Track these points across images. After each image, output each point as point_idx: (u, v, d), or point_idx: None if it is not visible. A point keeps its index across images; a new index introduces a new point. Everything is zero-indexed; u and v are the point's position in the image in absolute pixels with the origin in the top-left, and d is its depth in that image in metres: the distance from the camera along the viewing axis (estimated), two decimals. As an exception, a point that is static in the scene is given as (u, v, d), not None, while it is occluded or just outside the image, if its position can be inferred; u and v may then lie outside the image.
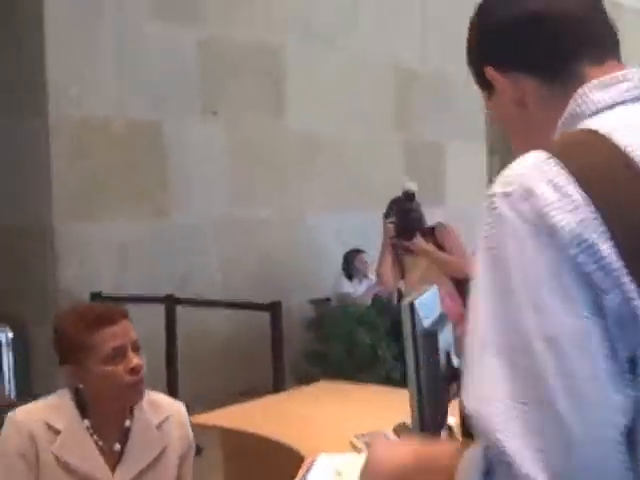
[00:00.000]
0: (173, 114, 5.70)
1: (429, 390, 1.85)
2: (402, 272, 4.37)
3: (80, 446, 1.97)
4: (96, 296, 4.84)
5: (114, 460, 2.00)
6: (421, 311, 1.88)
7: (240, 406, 3.13)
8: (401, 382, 4.71)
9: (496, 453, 0.86)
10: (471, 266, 3.38)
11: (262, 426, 2.77)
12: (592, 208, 0.86)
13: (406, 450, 1.19)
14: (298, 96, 6.51)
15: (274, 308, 4.29)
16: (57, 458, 1.93)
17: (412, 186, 4.18)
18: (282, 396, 3.36)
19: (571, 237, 0.85)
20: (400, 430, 2.62)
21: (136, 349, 1.99)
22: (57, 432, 1.95)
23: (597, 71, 1.04)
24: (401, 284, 4.40)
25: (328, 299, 6.18)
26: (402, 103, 7.45)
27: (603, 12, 1.09)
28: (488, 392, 0.88)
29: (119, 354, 1.94)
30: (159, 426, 2.07)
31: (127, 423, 2.03)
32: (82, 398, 2.01)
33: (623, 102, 0.99)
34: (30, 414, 1.97)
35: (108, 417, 2.02)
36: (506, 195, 0.91)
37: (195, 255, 5.79)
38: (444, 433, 2.04)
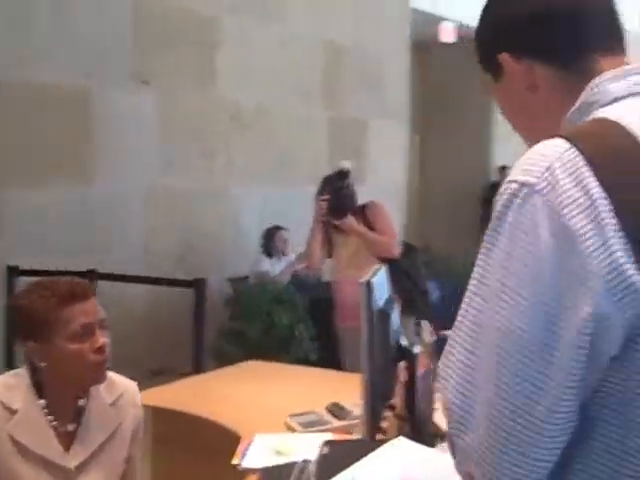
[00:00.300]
0: (102, 81, 5.49)
1: (381, 367, 1.83)
2: (331, 250, 4.34)
3: (34, 427, 1.88)
4: (13, 270, 4.62)
5: (68, 440, 1.93)
6: (376, 291, 1.84)
7: (169, 386, 3.04)
8: (318, 363, 4.73)
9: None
10: (396, 246, 3.38)
11: (194, 406, 2.71)
12: (609, 205, 0.87)
13: None
14: (229, 68, 6.39)
15: (198, 285, 4.19)
16: (11, 438, 1.86)
17: (346, 164, 4.16)
18: (210, 376, 3.29)
19: (582, 240, 0.87)
20: (333, 410, 2.61)
21: (103, 328, 1.91)
22: (13, 412, 1.87)
23: (609, 62, 1.06)
24: (329, 262, 4.38)
25: (246, 277, 6.09)
26: (330, 80, 7.42)
27: (613, 5, 1.11)
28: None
29: (87, 332, 1.86)
30: (113, 404, 2.01)
31: (81, 402, 1.96)
32: (39, 377, 1.92)
33: (636, 93, 1.01)
34: None
35: (64, 397, 1.94)
36: (526, 185, 0.91)
37: (118, 226, 5.61)
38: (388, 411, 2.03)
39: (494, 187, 10.54)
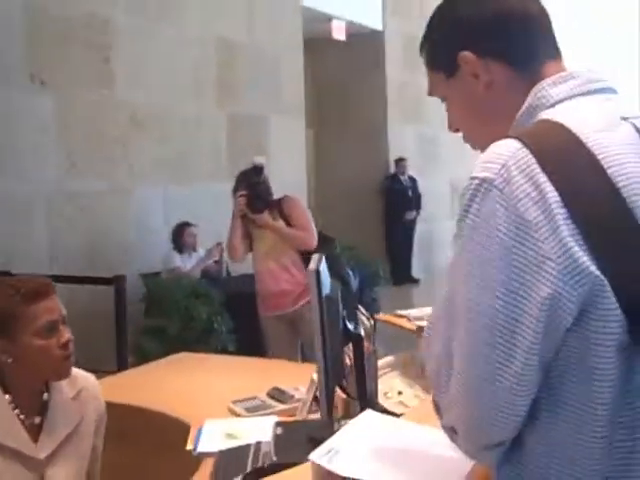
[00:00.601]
0: (-1, 82, 5.44)
1: (332, 350, 1.98)
2: (250, 244, 4.47)
3: (3, 420, 1.97)
4: None
5: (35, 433, 2.01)
6: (323, 278, 1.99)
7: (104, 380, 3.10)
8: (237, 354, 4.84)
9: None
10: (313, 238, 3.59)
11: (137, 399, 2.78)
12: (557, 197, 1.03)
13: None
14: (126, 69, 6.42)
15: (118, 282, 4.24)
16: None
17: (260, 160, 4.29)
18: (144, 369, 3.36)
19: (536, 228, 1.02)
20: (275, 394, 2.75)
21: (65, 323, 2.00)
22: None
23: (553, 67, 1.22)
24: (250, 255, 4.51)
25: (158, 273, 6.15)
26: (226, 77, 7.51)
27: (549, 17, 1.27)
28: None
29: (52, 328, 1.95)
30: (75, 398, 2.10)
31: (45, 396, 2.05)
32: (4, 373, 1.99)
33: (573, 96, 1.17)
34: None
35: (28, 391, 2.02)
36: (485, 180, 1.06)
37: (22, 227, 5.57)
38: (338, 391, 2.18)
39: (392, 178, 10.87)
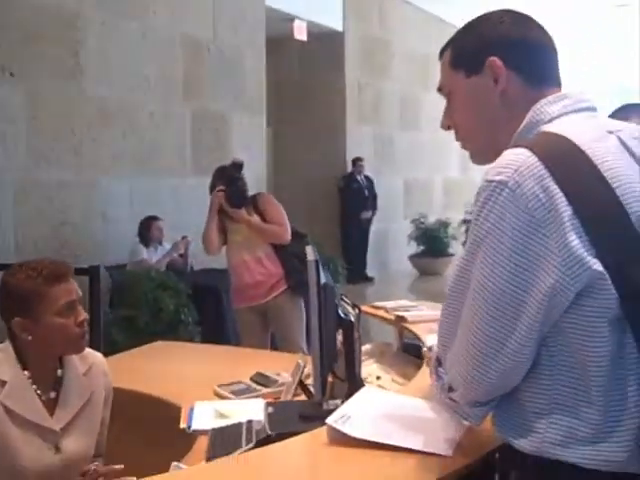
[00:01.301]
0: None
1: (328, 335, 2.13)
2: (225, 237, 4.60)
3: (23, 395, 2.09)
4: None
5: (51, 407, 2.15)
6: (321, 268, 2.14)
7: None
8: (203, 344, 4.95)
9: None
10: (288, 232, 3.84)
11: (124, 382, 2.87)
12: (563, 197, 1.22)
13: None
14: (93, 63, 6.49)
15: (93, 273, 4.30)
16: (4, 406, 2.05)
17: (241, 157, 4.41)
18: (126, 355, 3.45)
19: (543, 226, 1.22)
20: (258, 379, 2.88)
21: (81, 304, 2.15)
22: (3, 383, 2.07)
23: (555, 92, 1.43)
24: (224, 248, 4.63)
25: (123, 265, 6.22)
26: (190, 74, 7.61)
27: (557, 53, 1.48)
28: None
29: (71, 308, 2.09)
30: (86, 374, 2.25)
31: (59, 373, 2.18)
32: (22, 350, 2.12)
33: (566, 113, 1.38)
34: None
35: (45, 368, 2.16)
36: (500, 182, 1.26)
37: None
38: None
39: (349, 178, 11.03)
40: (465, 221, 13.40)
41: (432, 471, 1.56)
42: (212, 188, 4.57)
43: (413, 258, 12.18)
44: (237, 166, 4.46)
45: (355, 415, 1.59)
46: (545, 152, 1.26)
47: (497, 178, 1.26)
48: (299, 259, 4.28)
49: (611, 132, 1.35)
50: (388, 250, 12.13)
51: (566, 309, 1.23)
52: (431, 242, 11.92)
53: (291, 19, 9.90)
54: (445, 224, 12.15)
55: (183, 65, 7.53)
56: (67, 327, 2.08)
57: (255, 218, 4.49)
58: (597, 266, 1.20)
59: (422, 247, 12.07)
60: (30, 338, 2.09)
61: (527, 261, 1.22)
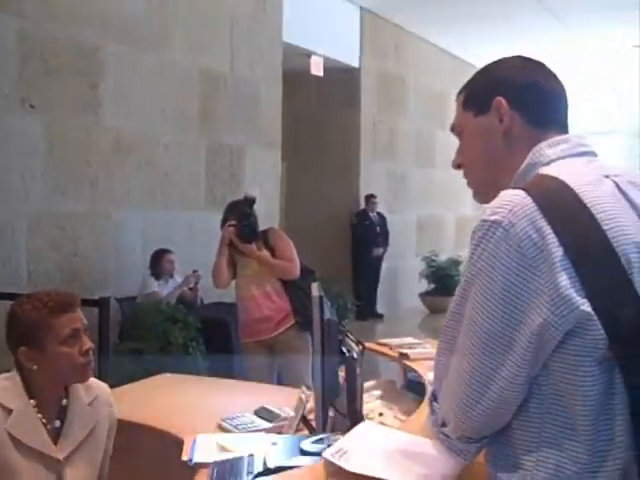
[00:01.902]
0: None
1: (330, 370, 2.15)
2: (235, 272, 4.63)
3: (29, 424, 2.13)
4: None
5: (55, 436, 2.18)
6: (325, 303, 2.16)
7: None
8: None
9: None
10: (297, 268, 3.87)
11: (127, 415, 2.88)
12: (555, 239, 1.25)
13: None
14: (112, 96, 6.59)
15: (103, 304, 4.36)
16: (10, 435, 2.09)
17: (254, 192, 4.45)
18: (133, 387, 3.47)
19: (534, 266, 1.25)
20: (262, 413, 2.90)
21: (86, 334, 2.18)
22: (9, 411, 2.11)
23: (558, 134, 1.46)
24: (233, 283, 4.66)
25: (133, 297, 6.26)
26: (206, 107, 7.70)
27: (567, 100, 1.52)
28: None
29: (75, 336, 2.13)
30: (90, 404, 2.28)
31: (64, 402, 2.22)
32: (28, 380, 2.16)
33: (565, 157, 1.42)
34: None
35: (50, 397, 2.19)
36: (494, 222, 1.29)
37: (3, 247, 5.67)
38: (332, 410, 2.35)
39: (361, 214, 11.07)
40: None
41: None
42: (224, 222, 4.62)
43: (423, 296, 12.16)
44: (249, 201, 4.51)
45: (352, 449, 1.60)
46: (539, 193, 1.29)
47: (492, 218, 1.29)
48: (307, 295, 4.30)
49: (607, 176, 1.37)
50: (399, 287, 12.13)
51: (555, 348, 1.24)
52: (442, 280, 11.91)
53: (308, 55, 10.02)
54: (457, 262, 12.15)
55: (199, 98, 7.63)
56: (72, 356, 2.12)
57: (265, 253, 4.53)
58: (585, 307, 1.22)
59: (433, 285, 12.06)
60: (35, 367, 2.13)
61: (517, 299, 1.25)
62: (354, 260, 11.09)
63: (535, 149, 1.43)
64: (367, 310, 10.60)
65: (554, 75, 1.51)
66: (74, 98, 6.26)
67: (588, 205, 1.28)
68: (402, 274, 12.16)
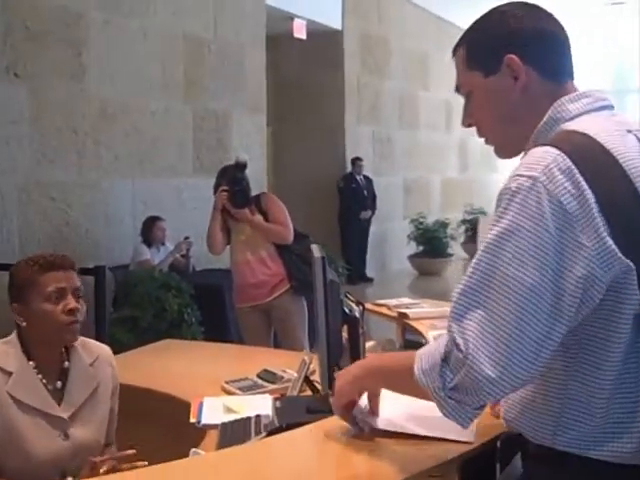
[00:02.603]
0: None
1: (334, 331, 2.18)
2: (228, 237, 4.64)
3: (29, 385, 2.17)
4: None
5: (58, 396, 2.23)
6: (327, 264, 2.19)
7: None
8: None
9: (453, 342, 1.30)
10: (291, 233, 3.87)
11: (133, 379, 2.92)
12: (592, 193, 1.25)
13: (371, 357, 1.56)
14: (96, 63, 6.53)
15: (98, 272, 4.37)
16: (11, 396, 2.13)
17: (244, 157, 4.45)
18: (134, 353, 3.49)
19: (576, 219, 1.25)
20: (265, 376, 2.93)
21: (76, 295, 2.21)
22: (9, 374, 2.15)
23: (570, 85, 1.47)
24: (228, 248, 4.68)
25: (126, 265, 6.27)
26: (191, 73, 7.65)
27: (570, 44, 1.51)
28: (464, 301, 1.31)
29: (60, 295, 2.17)
30: (92, 364, 2.33)
31: (65, 364, 2.26)
32: (25, 341, 2.21)
33: (587, 112, 1.41)
34: None
35: (49, 358, 2.24)
36: (530, 178, 1.28)
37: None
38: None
39: (348, 178, 11.07)
40: (464, 221, 13.51)
41: (434, 457, 1.62)
42: (216, 188, 4.62)
43: (412, 258, 12.23)
44: (240, 166, 4.51)
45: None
46: (572, 150, 1.29)
47: (527, 174, 1.29)
48: (301, 259, 4.34)
49: (630, 131, 1.39)
50: (387, 250, 12.18)
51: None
52: (430, 242, 11.97)
53: (291, 18, 9.95)
54: (444, 224, 12.21)
55: (184, 64, 7.58)
56: (54, 314, 2.16)
57: (258, 218, 4.54)
58: (626, 259, 1.24)
59: (421, 247, 12.12)
60: (25, 324, 2.18)
61: (562, 254, 1.25)
62: (342, 224, 11.09)
63: (557, 104, 1.42)
64: (357, 274, 10.63)
65: (554, 18, 1.48)
66: (58, 65, 6.21)
67: (619, 160, 1.29)
68: (390, 237, 12.21)
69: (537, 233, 1.25)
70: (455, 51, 1.53)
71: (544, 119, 1.42)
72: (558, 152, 1.29)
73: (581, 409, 1.30)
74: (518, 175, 1.30)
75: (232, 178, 4.50)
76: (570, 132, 1.35)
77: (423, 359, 1.37)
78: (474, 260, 1.33)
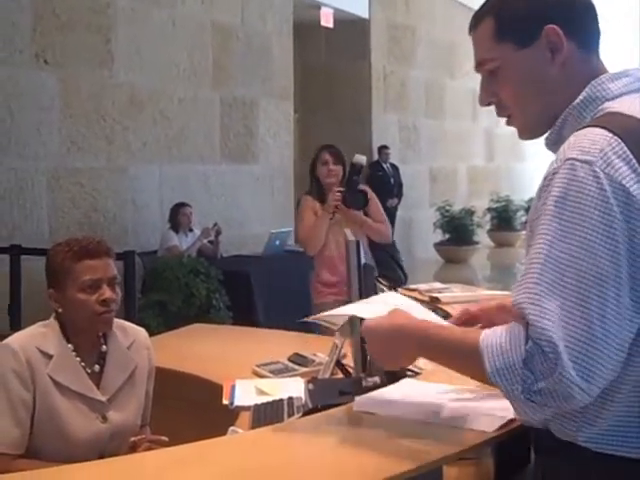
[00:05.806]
0: (4, 61, 5.55)
1: (368, 314, 2.17)
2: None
3: (69, 367, 2.18)
4: None
5: (96, 379, 2.23)
6: (362, 248, 2.19)
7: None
8: (234, 329, 5.02)
9: (538, 336, 1.21)
10: (390, 230, 3.73)
11: (166, 362, 2.94)
12: None
13: (406, 315, 1.48)
14: (124, 51, 6.57)
15: (127, 257, 4.40)
16: (52, 379, 2.14)
17: (361, 159, 4.33)
18: (166, 336, 3.50)
19: (638, 201, 1.20)
20: (296, 359, 2.94)
21: (112, 284, 2.19)
22: (49, 356, 2.15)
23: (599, 59, 1.40)
24: None
25: (155, 251, 6.31)
26: (219, 61, 7.67)
27: None
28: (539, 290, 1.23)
29: (94, 285, 2.14)
30: (129, 347, 2.32)
31: (103, 348, 2.26)
32: (63, 324, 2.21)
33: (629, 92, 1.34)
34: (23, 342, 2.14)
35: (86, 342, 2.23)
36: (586, 162, 1.22)
37: (23, 203, 5.71)
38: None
39: (374, 166, 11.04)
40: (490, 209, 13.43)
41: (469, 440, 1.59)
42: (313, 165, 4.48)
43: (438, 246, 12.20)
44: (357, 168, 4.33)
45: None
46: (623, 133, 1.24)
47: (582, 157, 1.22)
48: (395, 260, 4.30)
49: None
50: (414, 238, 12.15)
51: None
52: (457, 230, 11.93)
53: (318, 6, 9.92)
54: (470, 212, 12.16)
55: (212, 51, 7.59)
56: (88, 303, 2.14)
57: (366, 218, 4.37)
58: None
59: (447, 235, 12.09)
60: (60, 310, 2.19)
61: (628, 238, 1.20)
62: (368, 211, 11.04)
63: (596, 82, 1.34)
64: (382, 261, 10.59)
65: None
66: (87, 53, 6.25)
67: None
68: (416, 225, 12.18)
69: (604, 222, 1.20)
70: (477, 24, 1.41)
71: (580, 97, 1.35)
72: (610, 135, 1.24)
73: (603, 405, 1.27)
74: (572, 159, 1.24)
75: (347, 180, 4.33)
76: (616, 114, 1.29)
77: (494, 353, 1.25)
78: (537, 249, 1.24)
